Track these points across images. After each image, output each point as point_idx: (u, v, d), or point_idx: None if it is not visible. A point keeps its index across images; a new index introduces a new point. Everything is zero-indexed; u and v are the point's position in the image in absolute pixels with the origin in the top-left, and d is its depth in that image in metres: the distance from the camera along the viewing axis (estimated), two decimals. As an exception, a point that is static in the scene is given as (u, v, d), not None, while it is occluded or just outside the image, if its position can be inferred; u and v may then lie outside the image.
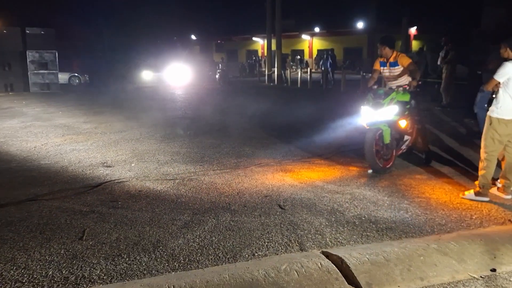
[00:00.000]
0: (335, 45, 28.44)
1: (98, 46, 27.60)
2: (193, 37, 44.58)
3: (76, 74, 21.72)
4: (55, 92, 16.90)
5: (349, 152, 6.29)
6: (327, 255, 2.78)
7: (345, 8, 32.89)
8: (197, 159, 6.02)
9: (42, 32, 17.32)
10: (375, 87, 5.46)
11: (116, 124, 9.02)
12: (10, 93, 16.46)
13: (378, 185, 4.70)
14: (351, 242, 3.13)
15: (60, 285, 2.70)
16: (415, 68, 5.37)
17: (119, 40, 26.62)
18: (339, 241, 3.17)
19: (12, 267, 2.92)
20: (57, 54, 17.43)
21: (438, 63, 11.76)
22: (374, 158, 5.03)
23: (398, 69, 5.38)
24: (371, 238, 3.21)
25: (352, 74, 23.30)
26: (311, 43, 40.47)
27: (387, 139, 5.13)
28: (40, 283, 2.72)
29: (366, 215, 3.72)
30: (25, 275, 2.82)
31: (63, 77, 19.42)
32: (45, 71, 17.24)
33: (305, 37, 40.07)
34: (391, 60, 5.40)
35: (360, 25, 35.08)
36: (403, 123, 5.22)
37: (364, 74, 17.68)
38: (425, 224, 3.55)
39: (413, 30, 31.80)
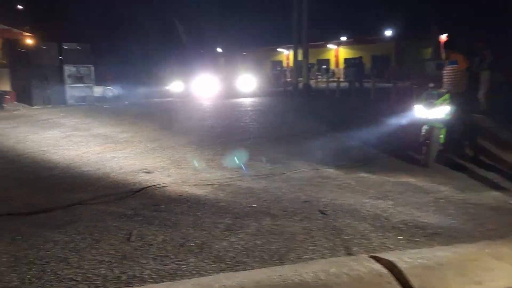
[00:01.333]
0: (362, 53, 28.16)
1: (130, 59, 28.42)
2: (219, 49, 45.29)
3: (110, 87, 22.37)
4: (90, 104, 17.49)
5: (388, 158, 6.25)
6: (377, 259, 2.74)
7: (372, 16, 32.64)
8: (232, 166, 6.09)
9: (79, 47, 18.06)
10: (431, 86, 5.67)
11: (151, 133, 9.24)
12: (48, 106, 17.14)
13: (421, 190, 4.63)
14: (399, 247, 3.09)
15: (113, 284, 2.78)
16: (466, 73, 5.54)
17: (150, 53, 27.35)
18: (386, 246, 3.14)
19: (66, 267, 3.03)
20: (92, 68, 18.08)
21: (474, 69, 11.48)
22: (431, 154, 5.47)
23: (453, 71, 5.53)
24: (419, 244, 3.16)
25: (380, 82, 22.99)
26: (337, 52, 40.32)
27: (442, 138, 5.29)
28: (94, 282, 2.81)
29: (411, 221, 3.67)
30: (79, 274, 2.91)
31: (97, 90, 20.07)
32: (81, 85, 17.92)
33: (331, 46, 39.98)
34: (450, 61, 5.61)
35: (388, 32, 34.69)
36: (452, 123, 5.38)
37: (396, 82, 17.39)
38: (474, 229, 3.47)
39: (443, 37, 31.19)
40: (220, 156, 6.78)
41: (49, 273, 2.93)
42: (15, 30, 23.14)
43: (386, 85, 20.16)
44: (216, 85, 21.86)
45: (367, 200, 4.30)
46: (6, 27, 21.49)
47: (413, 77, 18.57)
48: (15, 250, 3.30)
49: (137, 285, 2.73)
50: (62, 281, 2.83)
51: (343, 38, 37.85)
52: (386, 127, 9.23)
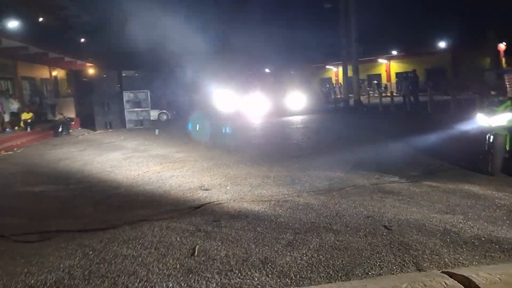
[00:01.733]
0: (414, 66, 27.23)
1: (183, 84, 29.55)
2: (267, 70, 45.96)
3: (164, 111, 23.34)
4: (147, 128, 18.31)
5: (452, 169, 5.98)
6: (451, 275, 2.60)
7: (424, 28, 31.67)
8: (288, 182, 6.08)
9: (136, 74, 19.08)
10: (493, 94, 5.48)
11: (205, 153, 9.48)
12: (110, 130, 18.15)
13: (490, 202, 4.35)
14: (473, 263, 2.92)
15: (181, 297, 2.85)
16: None
17: (201, 77, 28.29)
18: (459, 262, 2.97)
19: (135, 280, 3.15)
20: (149, 93, 19.01)
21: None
22: (496, 162, 5.38)
23: None
24: (496, 259, 2.96)
25: (437, 95, 22.09)
26: (389, 66, 39.41)
27: (507, 146, 5.05)
28: (163, 295, 2.89)
29: (485, 236, 3.46)
30: (148, 287, 3.02)
31: (153, 114, 21.02)
32: (139, 109, 18.85)
33: (381, 60, 39.18)
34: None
35: (442, 44, 33.42)
36: None
37: (455, 93, 16.60)
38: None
39: (502, 46, 29.60)
40: (275, 172, 6.79)
41: (120, 286, 3.05)
42: (79, 62, 25.04)
43: (444, 97, 19.37)
44: (266, 104, 22.08)
45: (435, 215, 4.11)
46: (71, 59, 23.27)
47: (473, 87, 17.71)
48: (88, 264, 3.48)
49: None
50: (133, 294, 2.94)
51: (394, 52, 36.96)
52: (448, 138, 8.89)
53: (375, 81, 38.13)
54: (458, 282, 2.50)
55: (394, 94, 22.95)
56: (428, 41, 33.16)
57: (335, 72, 42.38)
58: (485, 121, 5.65)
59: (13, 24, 15.28)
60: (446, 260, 3.02)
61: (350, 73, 23.91)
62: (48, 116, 20.45)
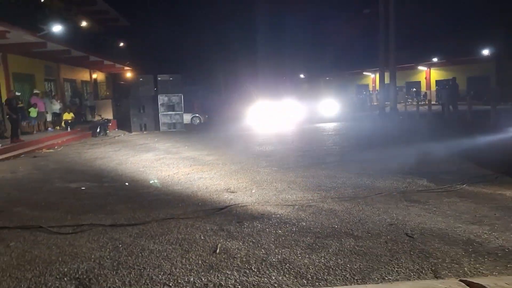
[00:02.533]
0: (456, 74, 26.22)
1: (215, 88, 30.06)
2: (301, 75, 45.94)
3: (197, 114, 23.81)
4: (180, 131, 18.75)
5: (483, 180, 5.82)
6: (468, 284, 2.58)
7: (467, 34, 30.63)
8: (313, 188, 6.10)
9: (171, 78, 19.58)
10: None
11: (234, 157, 9.63)
12: (144, 132, 18.73)
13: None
14: (494, 273, 2.86)
15: (200, 290, 2.96)
16: None
17: (233, 82, 28.69)
18: (479, 271, 2.92)
19: (160, 272, 3.30)
20: (182, 97, 19.47)
21: None
22: None
23: None
24: (519, 271, 2.90)
25: (477, 105, 21.29)
26: (429, 74, 38.34)
27: None
28: (184, 287, 3.02)
29: (510, 247, 3.37)
30: (171, 280, 3.16)
31: (186, 117, 21.46)
32: (172, 112, 19.34)
33: (421, 68, 38.18)
34: None
35: (486, 51, 32.16)
36: None
37: (495, 105, 15.96)
38: None
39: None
40: (301, 178, 6.83)
41: (145, 277, 3.22)
42: (118, 65, 25.97)
43: (484, 107, 18.66)
44: (299, 111, 22.09)
45: (460, 225, 4.03)
46: (110, 62, 24.17)
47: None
48: (117, 256, 3.68)
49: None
50: (157, 285, 3.09)
51: (435, 59, 35.89)
52: (484, 147, 8.66)
53: (414, 89, 37.21)
54: (474, 290, 2.48)
55: (433, 102, 22.34)
56: (471, 48, 31.96)
57: (373, 78, 41.73)
58: None
59: (57, 28, 16.11)
60: (466, 269, 2.97)
61: (387, 80, 23.50)
62: (87, 117, 21.36)
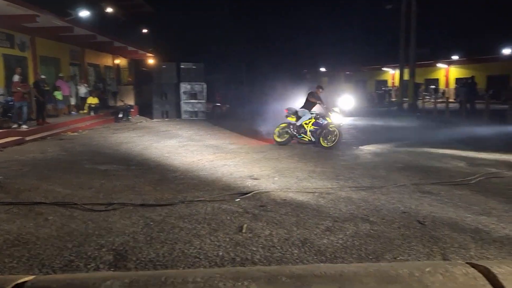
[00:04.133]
0: (476, 73, 26.01)
1: (237, 78, 30.29)
2: (322, 69, 45.83)
3: (219, 104, 24.06)
4: (201, 119, 19.10)
5: (495, 176, 6.01)
6: (473, 266, 2.85)
7: (488, 33, 30.24)
8: (332, 177, 6.39)
9: (194, 67, 19.88)
10: None
11: (256, 146, 9.96)
12: (166, 119, 19.15)
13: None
14: (498, 258, 3.14)
15: (229, 263, 3.31)
16: None
17: (256, 73, 28.86)
18: (485, 256, 3.21)
19: (190, 247, 3.65)
20: (205, 85, 19.77)
21: None
22: None
23: None
24: (521, 257, 3.17)
25: (496, 104, 21.11)
26: (448, 71, 37.92)
27: None
28: (214, 260, 3.37)
29: (515, 237, 3.63)
30: (202, 254, 3.51)
31: (208, 106, 21.71)
32: (194, 101, 19.67)
33: (440, 65, 37.77)
34: None
35: (507, 50, 31.73)
36: None
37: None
38: None
39: None
40: (321, 168, 7.12)
41: (177, 251, 3.57)
42: (141, 52, 26.42)
43: (502, 106, 18.54)
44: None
45: (469, 215, 4.30)
46: (133, 48, 24.61)
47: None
48: (150, 232, 4.04)
49: (249, 266, 3.21)
50: (188, 258, 3.44)
51: (455, 57, 35.52)
52: (502, 145, 8.81)
53: (433, 86, 36.83)
54: (478, 271, 2.76)
55: (451, 100, 22.24)
56: (492, 47, 31.60)
57: (392, 74, 41.39)
58: None
59: (84, 13, 16.54)
60: (472, 253, 3.26)
61: (406, 76, 23.44)
62: (110, 102, 21.88)
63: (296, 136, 10.13)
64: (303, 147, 9.75)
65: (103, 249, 3.61)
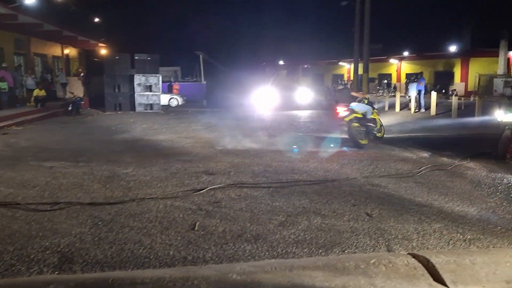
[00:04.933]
0: (425, 68, 27.47)
1: (194, 71, 29.89)
2: (281, 62, 46.24)
3: (175, 96, 23.65)
4: (157, 112, 18.69)
5: (437, 168, 6.34)
6: (414, 256, 2.99)
7: (436, 31, 31.87)
8: (287, 172, 6.47)
9: (148, 58, 19.37)
10: None
11: (213, 140, 9.87)
12: (119, 112, 18.57)
13: (467, 198, 4.76)
14: (437, 248, 3.31)
15: (180, 262, 3.26)
16: None
17: (213, 65, 28.62)
18: (425, 247, 3.38)
19: (140, 247, 3.56)
20: (160, 77, 19.32)
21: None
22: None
23: None
24: (458, 246, 3.37)
25: (443, 98, 22.39)
26: (399, 67, 39.48)
27: None
28: (164, 260, 3.31)
29: (454, 227, 3.87)
30: (152, 254, 3.43)
31: (164, 99, 21.24)
32: (149, 93, 19.19)
33: (393, 61, 39.25)
34: None
35: (453, 48, 33.56)
36: None
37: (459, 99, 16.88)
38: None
39: (512, 53, 29.65)
40: (277, 162, 7.18)
41: (126, 251, 3.47)
42: (92, 42, 25.37)
43: (448, 101, 19.63)
44: (275, 97, 22.30)
45: (413, 207, 4.52)
46: (84, 38, 23.59)
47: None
48: (98, 232, 3.90)
49: (200, 264, 3.18)
50: (138, 258, 3.35)
51: (406, 53, 37.08)
52: (448, 137, 9.34)
53: (385, 80, 38.21)
54: (418, 261, 2.89)
55: (401, 94, 23.21)
56: (440, 44, 33.36)
57: (348, 69, 42.46)
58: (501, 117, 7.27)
59: (30, 0, 15.65)
60: (414, 244, 3.45)
61: (360, 71, 24.14)
62: (58, 94, 20.89)
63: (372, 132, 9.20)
64: (257, 140, 9.77)
65: (47, 252, 3.46)
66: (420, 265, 2.95)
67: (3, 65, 16.06)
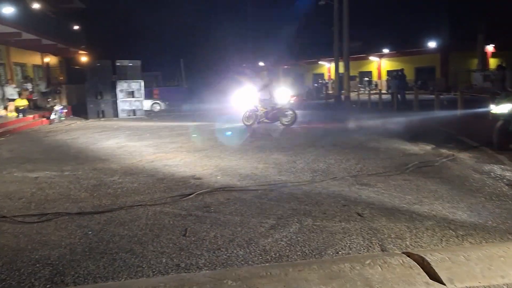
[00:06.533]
0: (405, 65, 27.85)
1: (176, 75, 29.75)
2: (261, 63, 46.32)
3: (157, 101, 23.52)
4: (140, 117, 18.53)
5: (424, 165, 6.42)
6: (408, 255, 3.01)
7: (415, 27, 32.30)
8: (274, 173, 6.45)
9: (130, 64, 19.22)
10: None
11: (197, 144, 9.82)
12: (102, 119, 18.34)
13: (455, 195, 4.82)
14: (431, 246, 3.34)
15: (173, 270, 3.21)
16: None
17: (195, 69, 28.51)
18: (419, 245, 3.39)
19: (132, 256, 3.51)
20: (142, 83, 19.18)
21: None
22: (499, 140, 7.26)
23: None
24: (451, 243, 3.40)
25: (424, 94, 22.74)
26: (380, 64, 39.98)
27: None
28: (157, 268, 3.26)
29: (445, 224, 3.90)
30: (144, 262, 3.38)
31: (146, 104, 21.16)
32: (132, 99, 19.03)
33: (373, 58, 39.75)
34: None
35: (432, 44, 34.12)
36: None
37: (440, 95, 17.16)
38: (507, 231, 3.64)
39: (490, 48, 30.34)
40: (264, 164, 7.16)
41: (118, 261, 3.41)
42: (73, 49, 25.04)
43: (430, 97, 19.92)
44: (257, 98, 22.20)
45: (404, 205, 4.54)
46: (64, 46, 23.26)
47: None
48: (88, 243, 3.83)
49: (194, 271, 3.14)
50: (130, 267, 3.30)
51: (386, 50, 37.55)
52: (429, 133, 9.49)
53: (366, 78, 38.64)
54: (413, 260, 2.91)
55: (383, 91, 23.54)
56: (419, 41, 33.87)
57: (328, 68, 42.81)
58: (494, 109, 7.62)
59: (7, 9, 15.33)
60: (408, 243, 3.44)
61: (341, 70, 24.34)
62: (40, 103, 20.54)
63: None
64: (243, 143, 9.76)
65: (38, 264, 3.39)
66: (415, 263, 2.98)
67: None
